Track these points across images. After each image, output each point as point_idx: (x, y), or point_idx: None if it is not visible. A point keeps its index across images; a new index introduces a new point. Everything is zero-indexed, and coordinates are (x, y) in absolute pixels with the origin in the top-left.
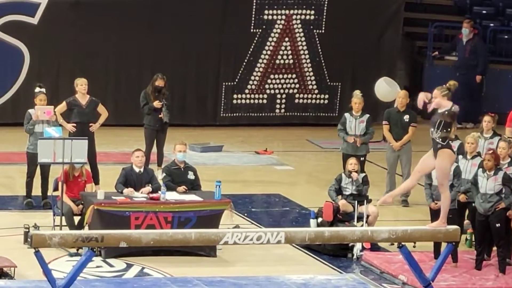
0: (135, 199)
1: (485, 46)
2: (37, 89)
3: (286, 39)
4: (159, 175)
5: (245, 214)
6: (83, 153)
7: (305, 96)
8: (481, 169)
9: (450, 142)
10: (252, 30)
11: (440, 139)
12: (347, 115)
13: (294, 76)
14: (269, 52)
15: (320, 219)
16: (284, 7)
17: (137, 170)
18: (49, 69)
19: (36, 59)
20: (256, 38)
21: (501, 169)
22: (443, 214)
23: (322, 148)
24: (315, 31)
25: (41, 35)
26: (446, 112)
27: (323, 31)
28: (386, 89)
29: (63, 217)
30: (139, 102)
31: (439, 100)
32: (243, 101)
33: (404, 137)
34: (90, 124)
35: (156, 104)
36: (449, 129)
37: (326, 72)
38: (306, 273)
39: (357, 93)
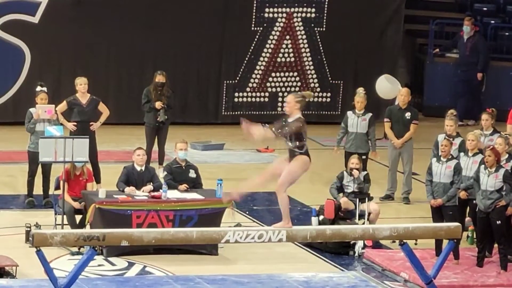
0: (137, 198)
1: (486, 43)
2: (38, 88)
3: (287, 37)
4: (161, 174)
5: (247, 212)
6: (84, 152)
7: None
8: (483, 166)
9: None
10: (253, 28)
11: (297, 148)
12: (349, 113)
13: (295, 74)
14: (270, 50)
15: (321, 217)
16: (285, 5)
17: (138, 168)
18: (50, 68)
19: (37, 58)
20: (257, 36)
21: (502, 166)
22: (285, 215)
23: (324, 146)
24: (316, 29)
25: (42, 34)
26: (296, 122)
27: (324, 29)
28: (388, 86)
29: (65, 216)
30: (140, 100)
31: (292, 106)
32: (245, 99)
33: (406, 135)
34: (91, 123)
35: (158, 104)
36: (302, 138)
37: (327, 70)
38: (308, 271)
39: (360, 91)
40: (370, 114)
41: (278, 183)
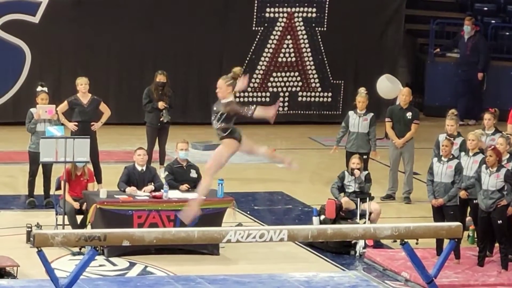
0: (138, 198)
1: (486, 43)
2: (39, 88)
3: (288, 37)
4: (162, 174)
5: (248, 212)
6: (85, 152)
7: (308, 94)
8: (484, 165)
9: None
10: (254, 28)
11: (221, 130)
12: (351, 112)
13: (296, 74)
14: (271, 50)
15: (322, 217)
16: (286, 4)
17: (139, 168)
18: (50, 68)
19: (37, 58)
20: (258, 36)
21: (504, 166)
22: (197, 200)
23: (325, 145)
24: (317, 28)
25: (42, 34)
26: (229, 104)
27: (325, 28)
28: (388, 86)
29: (66, 216)
30: (141, 100)
31: (224, 90)
32: (246, 99)
33: (407, 134)
34: (92, 123)
35: (160, 104)
36: (230, 121)
37: (328, 70)
38: (309, 271)
39: (361, 91)
40: (371, 114)
41: (206, 166)
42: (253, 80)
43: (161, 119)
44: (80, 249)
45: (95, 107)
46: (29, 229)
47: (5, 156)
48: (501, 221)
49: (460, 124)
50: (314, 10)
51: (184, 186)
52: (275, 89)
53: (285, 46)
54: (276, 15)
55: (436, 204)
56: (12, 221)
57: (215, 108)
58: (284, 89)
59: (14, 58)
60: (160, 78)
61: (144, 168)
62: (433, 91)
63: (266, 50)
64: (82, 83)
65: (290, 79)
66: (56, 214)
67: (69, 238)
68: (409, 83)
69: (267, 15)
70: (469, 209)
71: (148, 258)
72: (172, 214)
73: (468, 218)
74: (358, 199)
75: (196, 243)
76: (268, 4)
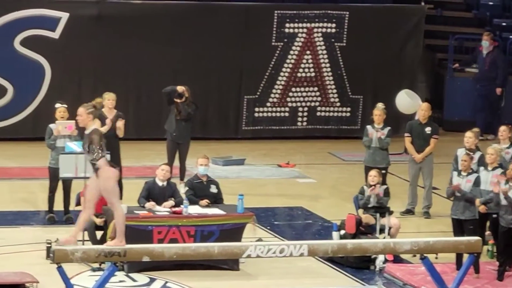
0: (158, 213)
1: (505, 58)
2: (58, 105)
3: (308, 52)
4: (182, 189)
5: (268, 227)
6: None
7: (327, 109)
8: (504, 180)
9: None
10: (273, 43)
11: (94, 161)
12: (368, 127)
13: (316, 89)
14: (290, 65)
15: (342, 232)
16: (305, 20)
17: (160, 183)
18: (70, 83)
19: (57, 74)
20: (277, 51)
21: None
22: (119, 232)
23: (344, 160)
24: (336, 44)
25: (62, 49)
26: (91, 134)
27: (344, 44)
28: (408, 101)
29: (86, 232)
30: (161, 116)
31: (84, 118)
32: (265, 114)
33: (426, 149)
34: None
35: (179, 87)
36: (100, 147)
37: (347, 85)
38: (329, 286)
39: (379, 105)
40: (388, 128)
41: (109, 203)
42: (272, 95)
43: (180, 113)
44: (100, 264)
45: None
46: (49, 245)
47: (25, 172)
48: None
49: (480, 139)
50: (334, 25)
51: (204, 202)
52: (294, 104)
53: (304, 61)
54: (296, 30)
55: (456, 187)
56: (32, 237)
57: (83, 144)
58: (303, 104)
59: (34, 73)
60: (179, 88)
61: (165, 183)
62: (452, 106)
63: (286, 65)
64: (110, 98)
65: (309, 94)
66: None
67: (89, 254)
68: (428, 98)
69: (286, 30)
70: (488, 223)
71: (168, 274)
72: (192, 229)
73: (488, 233)
74: (378, 214)
75: (216, 258)
76: (288, 20)
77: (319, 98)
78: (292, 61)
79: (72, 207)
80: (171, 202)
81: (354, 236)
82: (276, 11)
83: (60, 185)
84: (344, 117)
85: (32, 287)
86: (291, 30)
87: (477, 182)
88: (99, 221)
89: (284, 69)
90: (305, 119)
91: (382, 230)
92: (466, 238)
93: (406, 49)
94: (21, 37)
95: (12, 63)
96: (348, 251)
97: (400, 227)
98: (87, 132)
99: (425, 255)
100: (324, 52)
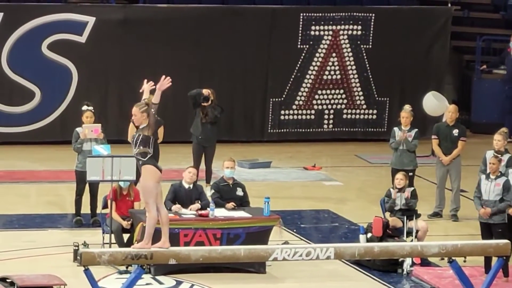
0: (184, 216)
1: None
2: (84, 107)
3: (334, 54)
4: (208, 192)
5: (294, 230)
6: (131, 171)
7: (353, 111)
8: None
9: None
10: (299, 46)
11: (140, 155)
12: (396, 129)
13: (341, 91)
14: (316, 68)
15: (369, 235)
16: (331, 22)
17: (186, 186)
18: (97, 87)
19: (84, 78)
20: (303, 54)
21: None
22: (147, 234)
23: (371, 163)
24: (362, 46)
25: (89, 53)
26: (146, 128)
27: (370, 46)
28: (435, 103)
29: (112, 235)
30: (187, 118)
31: (139, 117)
32: (291, 117)
33: (454, 152)
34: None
35: (205, 91)
36: (148, 145)
37: (374, 87)
38: None
39: (406, 107)
40: (415, 130)
41: (144, 202)
42: (298, 98)
43: (206, 116)
44: (127, 267)
45: (157, 128)
46: (76, 248)
47: (53, 175)
48: None
49: (508, 141)
50: (360, 27)
51: (230, 204)
52: (320, 107)
53: (330, 63)
54: (322, 32)
55: (484, 213)
56: (59, 239)
57: (134, 135)
58: (329, 106)
59: (61, 77)
60: (205, 91)
61: (191, 186)
62: (480, 108)
63: (311, 67)
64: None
65: (335, 96)
66: (103, 233)
67: (115, 257)
68: (456, 100)
69: (312, 33)
70: None
71: (195, 277)
72: (218, 232)
73: None
74: (405, 217)
75: (242, 261)
76: (314, 22)
77: (345, 101)
78: (318, 63)
79: (98, 210)
80: (197, 205)
81: (381, 239)
82: (301, 14)
83: (87, 188)
84: (371, 119)
85: None
86: (317, 33)
87: (506, 186)
88: (125, 223)
89: (310, 72)
90: (331, 121)
91: (409, 233)
92: (495, 241)
93: (433, 51)
94: (49, 42)
95: (40, 68)
96: (375, 254)
97: (428, 230)
98: (141, 126)
99: (453, 258)
100: (350, 54)
